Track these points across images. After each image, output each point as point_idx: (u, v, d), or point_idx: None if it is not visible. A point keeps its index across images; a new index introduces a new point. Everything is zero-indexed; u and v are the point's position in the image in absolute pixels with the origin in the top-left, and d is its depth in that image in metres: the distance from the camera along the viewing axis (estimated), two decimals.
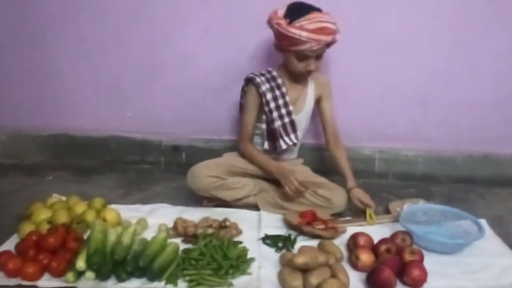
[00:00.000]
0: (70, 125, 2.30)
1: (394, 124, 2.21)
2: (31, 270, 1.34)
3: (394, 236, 1.56)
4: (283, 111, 1.82)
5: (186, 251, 1.48)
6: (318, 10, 1.70)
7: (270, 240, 1.59)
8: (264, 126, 1.86)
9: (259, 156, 1.86)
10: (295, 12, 1.67)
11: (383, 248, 1.47)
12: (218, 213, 1.74)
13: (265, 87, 1.81)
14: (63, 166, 2.27)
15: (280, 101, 1.82)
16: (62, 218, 1.58)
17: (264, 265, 1.44)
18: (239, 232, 1.63)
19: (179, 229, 1.59)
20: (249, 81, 1.86)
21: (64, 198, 1.80)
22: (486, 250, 1.57)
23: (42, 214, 1.60)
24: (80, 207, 1.68)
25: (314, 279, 1.30)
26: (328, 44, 1.74)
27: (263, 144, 1.88)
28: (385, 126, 2.21)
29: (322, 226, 1.63)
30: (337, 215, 1.79)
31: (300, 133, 1.88)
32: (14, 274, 1.35)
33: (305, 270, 1.34)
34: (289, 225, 1.69)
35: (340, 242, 1.58)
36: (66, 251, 1.40)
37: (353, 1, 2.01)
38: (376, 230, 1.65)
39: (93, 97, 2.25)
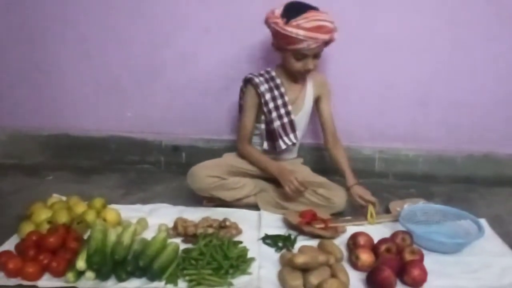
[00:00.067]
0: (70, 125, 2.30)
1: (394, 124, 2.21)
2: (31, 270, 1.34)
3: (394, 235, 1.56)
4: (282, 111, 1.82)
5: (186, 251, 1.48)
6: (315, 8, 1.70)
7: (270, 240, 1.59)
8: (263, 126, 1.86)
9: (258, 157, 1.86)
10: (292, 11, 1.67)
11: (383, 247, 1.47)
12: (218, 213, 1.74)
13: (264, 87, 1.81)
14: (63, 166, 2.27)
15: (279, 101, 1.82)
16: (62, 218, 1.58)
17: (264, 265, 1.44)
18: (239, 232, 1.63)
19: (179, 229, 1.59)
20: (247, 81, 1.85)
21: (64, 198, 1.79)
22: (486, 249, 1.57)
23: (42, 214, 1.60)
24: (80, 207, 1.67)
25: (314, 279, 1.30)
26: (326, 43, 1.74)
27: (262, 144, 1.88)
28: (385, 126, 2.21)
29: (322, 226, 1.63)
30: (337, 215, 1.79)
31: (299, 133, 1.88)
32: (14, 274, 1.35)
33: (305, 270, 1.34)
34: (289, 225, 1.69)
35: (340, 241, 1.58)
36: (66, 251, 1.40)
37: (353, 1, 2.01)
38: (376, 230, 1.65)
39: (93, 97, 2.25)
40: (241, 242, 1.56)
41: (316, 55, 1.76)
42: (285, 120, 1.83)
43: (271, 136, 1.84)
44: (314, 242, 1.56)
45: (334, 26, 1.71)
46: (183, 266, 1.40)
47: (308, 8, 1.69)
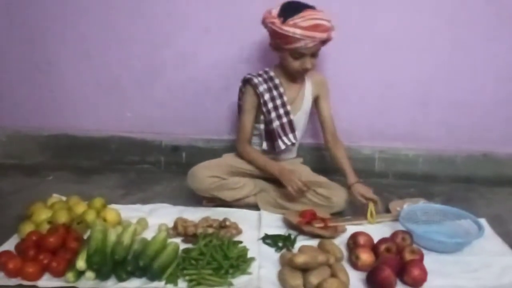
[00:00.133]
0: (70, 125, 2.30)
1: (394, 124, 2.21)
2: (31, 270, 1.34)
3: (394, 235, 1.56)
4: (281, 111, 1.82)
5: (186, 250, 1.48)
6: (311, 7, 1.70)
7: (270, 240, 1.59)
8: (262, 126, 1.86)
9: (258, 158, 1.86)
10: (289, 11, 1.67)
11: (383, 247, 1.48)
12: (218, 213, 1.74)
13: (262, 87, 1.81)
14: (63, 166, 2.27)
15: (278, 101, 1.82)
16: (62, 218, 1.58)
17: (264, 265, 1.44)
18: (239, 231, 1.63)
19: (179, 229, 1.59)
20: (246, 81, 1.85)
21: (64, 198, 1.79)
22: (486, 249, 1.57)
23: (42, 214, 1.60)
24: (80, 207, 1.67)
25: (314, 279, 1.30)
26: (323, 42, 1.74)
27: (261, 145, 1.88)
28: (385, 126, 2.21)
29: (322, 225, 1.63)
30: (337, 214, 1.79)
31: (298, 132, 1.88)
32: (14, 274, 1.35)
33: (305, 270, 1.34)
34: (289, 224, 1.69)
35: (340, 241, 1.58)
36: (66, 251, 1.40)
37: (353, 1, 2.01)
38: (376, 230, 1.65)
39: (93, 97, 2.25)
40: (241, 242, 1.56)
41: (314, 54, 1.76)
42: (284, 120, 1.83)
43: (270, 136, 1.84)
44: (314, 242, 1.56)
45: (331, 24, 1.71)
46: (183, 266, 1.40)
47: (304, 7, 1.69)
